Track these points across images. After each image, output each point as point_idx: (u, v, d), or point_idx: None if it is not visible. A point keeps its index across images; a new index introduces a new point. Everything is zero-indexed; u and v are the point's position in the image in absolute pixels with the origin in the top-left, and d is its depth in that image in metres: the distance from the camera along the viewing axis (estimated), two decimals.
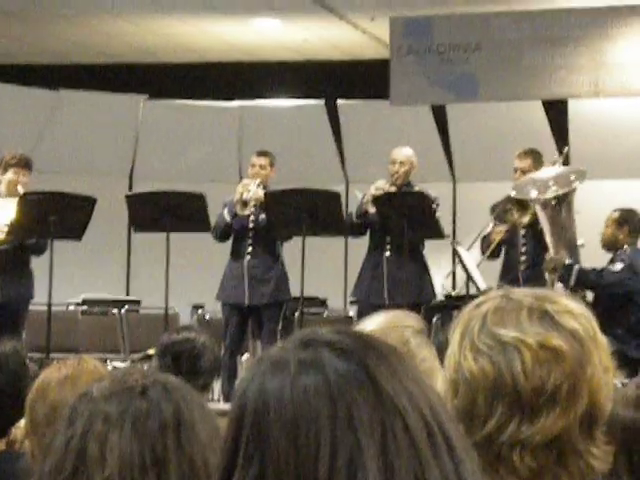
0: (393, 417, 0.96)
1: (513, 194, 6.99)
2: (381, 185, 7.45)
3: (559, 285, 6.69)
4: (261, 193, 7.39)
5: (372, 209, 7.39)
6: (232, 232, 7.56)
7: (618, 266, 6.85)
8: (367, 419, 0.95)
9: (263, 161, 7.61)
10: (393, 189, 7.47)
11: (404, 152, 7.68)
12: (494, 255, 7.31)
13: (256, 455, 0.96)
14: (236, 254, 7.58)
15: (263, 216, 7.42)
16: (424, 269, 7.54)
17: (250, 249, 7.50)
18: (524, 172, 7.13)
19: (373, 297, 7.41)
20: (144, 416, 1.44)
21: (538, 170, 7.11)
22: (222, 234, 7.57)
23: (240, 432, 0.98)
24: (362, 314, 7.24)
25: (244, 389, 1.00)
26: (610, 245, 6.97)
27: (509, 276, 7.12)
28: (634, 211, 7.04)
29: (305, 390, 0.96)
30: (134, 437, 1.43)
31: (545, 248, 6.94)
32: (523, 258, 7.19)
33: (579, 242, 6.89)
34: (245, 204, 7.38)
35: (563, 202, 6.74)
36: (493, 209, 7.28)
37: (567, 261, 6.73)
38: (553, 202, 6.72)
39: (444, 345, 1.50)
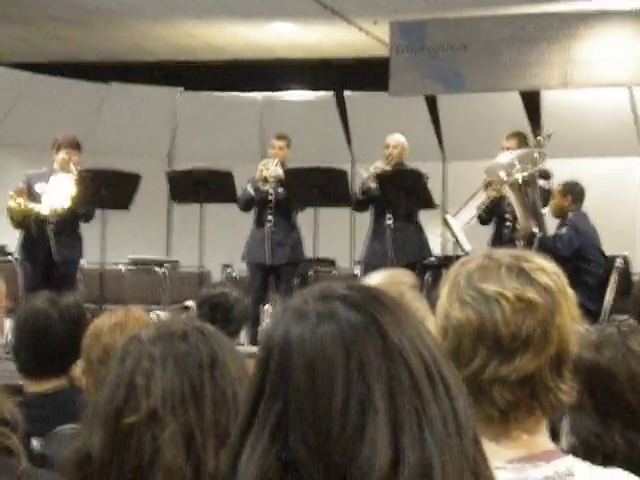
0: (398, 362, 0.95)
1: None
2: (379, 165, 7.46)
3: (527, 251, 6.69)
4: (280, 171, 7.37)
5: (373, 184, 7.38)
6: (255, 204, 7.55)
7: (564, 229, 6.89)
8: (376, 364, 0.94)
9: (281, 143, 7.60)
10: (389, 168, 7.46)
11: (395, 137, 7.68)
12: (487, 221, 7.32)
13: (280, 392, 0.96)
14: (259, 222, 7.57)
15: (281, 190, 7.41)
16: (421, 232, 7.55)
17: (270, 218, 7.49)
18: (510, 150, 7.13)
19: (379, 258, 7.41)
20: (184, 356, 1.45)
21: (524, 148, 7.11)
22: (246, 205, 7.57)
23: (267, 371, 0.97)
24: (366, 272, 7.25)
25: (271, 334, 0.99)
26: (558, 213, 7.01)
27: (496, 240, 7.15)
28: (576, 182, 7.04)
29: (322, 338, 0.95)
30: (175, 373, 1.43)
31: None
32: (507, 223, 7.22)
33: (543, 211, 6.91)
34: (266, 180, 7.37)
35: (529, 181, 6.74)
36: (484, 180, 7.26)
37: (534, 230, 6.75)
38: (519, 181, 6.71)
39: (436, 298, 1.50)
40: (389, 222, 7.42)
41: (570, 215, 6.93)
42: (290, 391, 0.95)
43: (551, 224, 7.12)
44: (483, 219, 7.32)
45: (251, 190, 7.48)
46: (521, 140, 7.22)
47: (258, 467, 0.94)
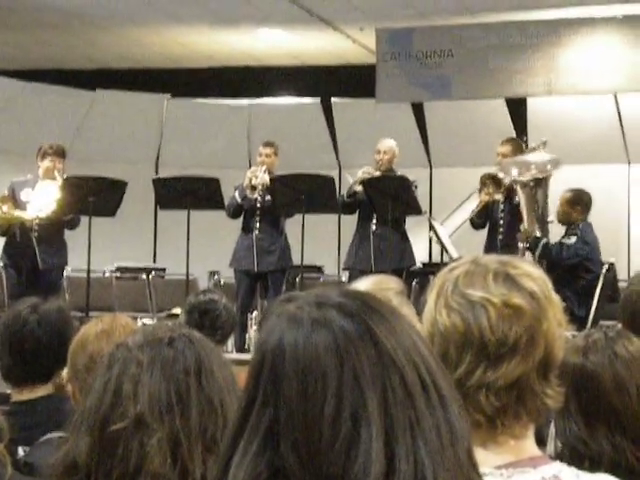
0: (392, 372, 0.94)
1: (497, 171, 7.02)
2: (367, 170, 7.46)
3: (528, 254, 6.72)
4: (267, 178, 7.37)
5: (359, 188, 7.40)
6: (242, 211, 7.55)
7: (572, 239, 6.87)
8: (369, 373, 0.94)
9: (269, 150, 7.60)
10: (378, 174, 7.47)
11: (387, 143, 7.67)
12: (479, 226, 7.32)
13: (272, 398, 0.95)
14: (246, 229, 7.57)
15: (268, 197, 7.41)
16: (405, 240, 7.53)
17: (258, 225, 7.49)
18: (505, 156, 7.16)
19: (361, 264, 7.41)
20: (171, 362, 1.45)
21: (517, 154, 7.14)
22: (234, 213, 7.57)
23: (260, 376, 0.97)
24: (352, 279, 7.25)
25: (265, 339, 0.98)
26: (565, 221, 6.98)
27: (491, 245, 7.14)
28: (583, 191, 7.04)
29: (316, 345, 0.94)
30: (162, 379, 1.43)
31: (519, 220, 6.99)
32: (501, 229, 7.22)
33: (549, 219, 6.92)
34: (253, 188, 7.37)
35: (540, 184, 6.77)
36: (481, 179, 7.26)
37: (537, 234, 6.75)
38: (531, 184, 6.75)
39: (423, 305, 1.50)
40: (373, 228, 7.43)
41: (580, 225, 6.91)
42: (282, 398, 0.94)
43: (556, 230, 7.11)
44: (476, 224, 7.32)
45: (238, 198, 7.48)
46: (515, 146, 7.24)
47: (248, 473, 0.93)
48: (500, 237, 7.16)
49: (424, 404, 0.94)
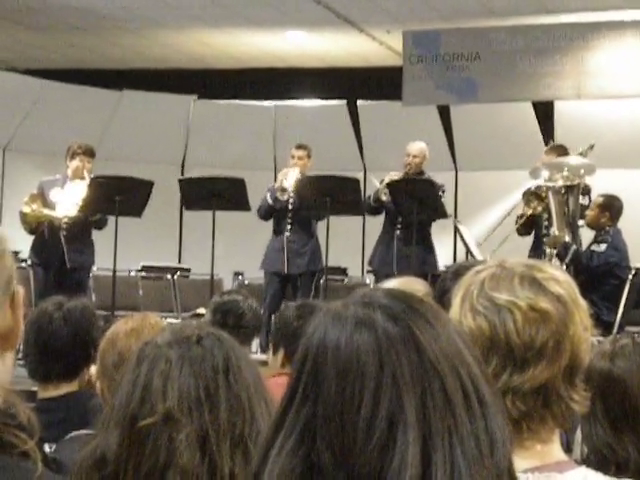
0: (432, 377, 0.94)
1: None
2: (393, 176, 7.43)
3: (556, 260, 6.69)
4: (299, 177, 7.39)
5: (385, 197, 7.36)
6: (273, 212, 7.55)
7: (603, 246, 6.83)
8: (409, 377, 0.93)
9: (301, 153, 7.61)
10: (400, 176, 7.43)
11: (418, 146, 7.65)
12: (524, 234, 7.31)
13: (311, 395, 0.95)
14: (277, 231, 7.58)
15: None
16: (429, 247, 7.50)
17: (289, 227, 7.50)
18: None
19: (385, 268, 7.39)
20: (200, 360, 1.47)
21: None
22: (265, 214, 7.58)
23: (301, 372, 0.97)
24: (377, 281, 7.23)
25: (309, 336, 0.99)
26: (594, 226, 6.94)
27: (537, 252, 7.11)
28: (615, 197, 7.00)
29: (358, 345, 0.95)
30: (191, 376, 1.45)
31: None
32: (545, 239, 7.19)
33: (580, 223, 6.89)
34: (284, 190, 7.38)
35: (572, 190, 6.75)
36: (524, 195, 7.27)
37: (566, 239, 6.72)
38: (563, 190, 6.73)
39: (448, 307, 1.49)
40: (398, 232, 7.41)
41: (610, 231, 6.87)
42: (320, 395, 0.94)
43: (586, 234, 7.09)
44: (521, 233, 7.33)
45: (270, 199, 7.49)
46: (561, 154, 7.17)
47: (284, 467, 0.94)
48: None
49: (464, 412, 0.93)
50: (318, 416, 0.94)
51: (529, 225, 7.25)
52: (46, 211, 7.04)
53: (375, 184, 7.50)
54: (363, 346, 0.94)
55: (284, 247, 7.43)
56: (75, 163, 7.12)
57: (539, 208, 7.09)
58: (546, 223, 7.15)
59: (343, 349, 0.95)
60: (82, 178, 7.08)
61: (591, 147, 7.15)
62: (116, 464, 1.41)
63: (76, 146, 7.19)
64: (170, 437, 1.40)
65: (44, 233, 7.06)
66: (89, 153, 7.19)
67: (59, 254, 7.07)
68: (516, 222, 7.30)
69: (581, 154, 7.10)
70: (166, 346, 1.48)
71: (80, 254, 7.16)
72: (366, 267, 7.88)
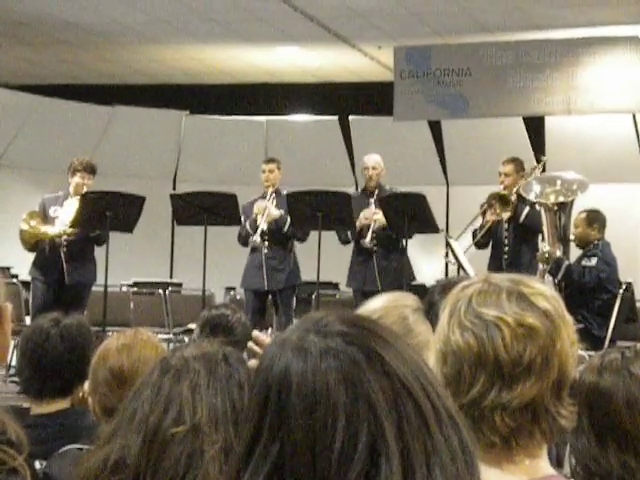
0: (405, 399, 0.90)
1: (520, 190, 7.04)
2: (367, 215, 7.41)
3: (548, 276, 6.71)
4: (275, 213, 7.44)
5: (368, 245, 7.36)
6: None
7: (594, 260, 6.84)
8: (384, 403, 0.89)
9: (271, 166, 7.69)
10: (379, 216, 7.35)
11: (374, 158, 7.72)
12: (483, 245, 7.32)
13: (278, 433, 0.90)
14: (254, 248, 7.60)
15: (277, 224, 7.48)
16: (404, 257, 7.54)
17: (266, 244, 7.55)
18: (507, 176, 7.17)
19: (367, 285, 7.41)
20: (227, 377, 1.50)
21: (520, 174, 7.17)
22: (245, 243, 7.66)
23: (265, 408, 0.92)
24: (362, 300, 7.21)
25: (268, 369, 0.94)
26: (583, 242, 6.95)
27: (495, 264, 7.14)
28: (598, 211, 7.03)
29: (325, 375, 0.90)
30: (219, 391, 1.48)
31: (524, 240, 7.04)
32: (506, 249, 7.20)
33: (571, 237, 6.93)
34: (262, 234, 7.45)
35: (564, 207, 6.79)
36: (488, 199, 7.28)
37: (558, 254, 6.74)
38: (555, 207, 6.76)
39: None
40: (374, 248, 7.45)
41: (599, 245, 6.89)
42: (288, 432, 0.90)
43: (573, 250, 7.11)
44: (480, 244, 7.31)
45: (250, 230, 7.57)
46: (518, 165, 7.26)
47: None
48: (505, 256, 7.15)
49: (438, 431, 0.91)
50: (287, 454, 0.89)
51: (489, 235, 7.22)
52: (43, 228, 7.05)
53: (365, 244, 7.43)
54: (331, 376, 0.90)
55: (263, 264, 7.47)
56: (76, 179, 7.13)
57: (503, 214, 7.08)
58: (506, 233, 7.16)
59: (310, 380, 0.90)
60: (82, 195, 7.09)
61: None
62: (135, 469, 1.41)
63: (77, 162, 7.19)
64: (197, 449, 1.41)
65: (45, 250, 7.07)
66: (89, 170, 7.19)
67: (59, 270, 7.07)
68: (474, 235, 7.28)
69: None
70: (193, 359, 1.50)
71: (80, 270, 7.16)
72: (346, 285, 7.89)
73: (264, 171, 7.68)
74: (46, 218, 7.10)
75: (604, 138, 9.64)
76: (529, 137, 9.82)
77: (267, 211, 7.46)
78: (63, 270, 7.08)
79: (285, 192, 7.55)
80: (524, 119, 9.85)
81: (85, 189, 7.10)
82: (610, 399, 1.85)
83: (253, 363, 1.56)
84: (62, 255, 7.07)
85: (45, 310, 6.67)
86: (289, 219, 7.47)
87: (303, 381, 0.91)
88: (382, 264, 7.42)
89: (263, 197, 7.64)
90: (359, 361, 0.91)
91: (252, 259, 7.61)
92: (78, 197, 7.07)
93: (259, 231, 7.39)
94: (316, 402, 0.90)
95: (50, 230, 7.05)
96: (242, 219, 7.53)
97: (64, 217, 7.07)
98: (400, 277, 7.29)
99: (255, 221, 7.50)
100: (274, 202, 7.56)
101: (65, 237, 7.05)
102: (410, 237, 7.39)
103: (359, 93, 11.28)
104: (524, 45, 9.42)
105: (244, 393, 1.47)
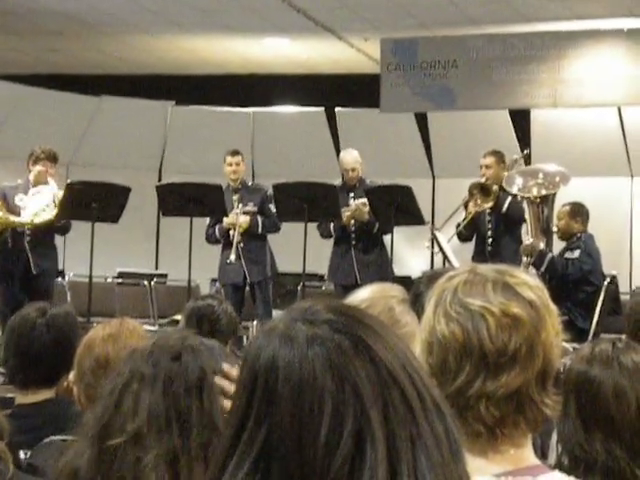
0: (391, 387, 0.91)
1: (503, 183, 7.06)
2: (352, 207, 7.44)
3: (532, 268, 6.73)
4: (245, 222, 7.41)
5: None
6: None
7: (576, 252, 6.87)
8: (370, 390, 0.90)
9: (237, 159, 7.68)
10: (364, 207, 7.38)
11: (354, 155, 7.66)
12: (467, 238, 7.33)
13: (265, 419, 0.91)
14: (230, 243, 7.57)
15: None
16: (384, 251, 7.56)
17: (241, 237, 7.53)
18: (488, 168, 7.19)
19: (346, 279, 7.43)
20: (173, 378, 1.46)
21: (501, 166, 7.19)
22: (213, 243, 7.66)
23: (253, 395, 0.93)
24: (344, 294, 7.22)
25: (255, 356, 0.94)
26: (567, 235, 6.98)
27: (479, 255, 7.16)
28: (582, 204, 7.06)
29: (312, 362, 0.91)
30: (163, 396, 1.44)
31: (508, 231, 7.09)
32: (489, 240, 7.22)
33: (554, 229, 6.96)
34: (236, 249, 7.45)
35: (546, 200, 6.82)
36: (470, 189, 7.30)
37: (541, 246, 6.77)
38: (538, 200, 6.79)
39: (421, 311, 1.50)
40: (353, 242, 7.47)
41: (582, 237, 6.91)
42: (275, 418, 0.90)
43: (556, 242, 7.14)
44: (464, 236, 7.33)
45: (219, 236, 7.56)
46: (499, 158, 7.28)
47: None
48: (489, 248, 7.17)
49: (424, 419, 0.91)
50: (273, 440, 0.89)
51: (472, 227, 7.24)
52: (12, 217, 6.96)
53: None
54: (318, 363, 0.91)
55: (241, 257, 7.46)
56: (38, 168, 7.04)
57: (485, 205, 7.10)
58: (489, 225, 7.18)
59: (297, 368, 0.91)
60: (45, 183, 7.02)
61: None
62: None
63: (40, 151, 7.10)
64: (137, 458, 1.39)
65: (7, 241, 6.99)
66: (52, 158, 7.10)
67: (24, 260, 7.01)
68: (457, 227, 7.30)
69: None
70: (143, 360, 1.47)
71: (44, 259, 7.11)
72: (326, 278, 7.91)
73: (230, 164, 7.64)
74: (9, 207, 6.99)
75: (590, 131, 9.67)
76: (515, 130, 9.84)
77: (237, 224, 7.40)
78: (28, 260, 7.01)
79: (271, 184, 7.53)
80: (510, 112, 9.86)
81: (49, 177, 7.03)
82: (599, 388, 1.87)
83: (227, 404, 1.46)
84: (26, 245, 7.01)
85: (13, 301, 6.66)
86: (260, 220, 7.46)
87: (290, 368, 0.91)
88: (361, 258, 7.45)
89: (235, 191, 7.56)
90: (346, 348, 0.92)
91: (227, 254, 7.59)
92: (44, 186, 6.99)
93: (233, 249, 7.34)
94: (303, 389, 0.90)
95: (19, 220, 6.96)
96: (207, 221, 7.55)
97: (33, 206, 6.98)
98: (379, 271, 7.31)
99: (227, 232, 7.45)
100: (243, 199, 7.51)
101: (29, 227, 6.97)
102: (391, 230, 7.38)
103: (345, 85, 11.27)
104: (511, 38, 9.43)
105: (192, 397, 1.44)
